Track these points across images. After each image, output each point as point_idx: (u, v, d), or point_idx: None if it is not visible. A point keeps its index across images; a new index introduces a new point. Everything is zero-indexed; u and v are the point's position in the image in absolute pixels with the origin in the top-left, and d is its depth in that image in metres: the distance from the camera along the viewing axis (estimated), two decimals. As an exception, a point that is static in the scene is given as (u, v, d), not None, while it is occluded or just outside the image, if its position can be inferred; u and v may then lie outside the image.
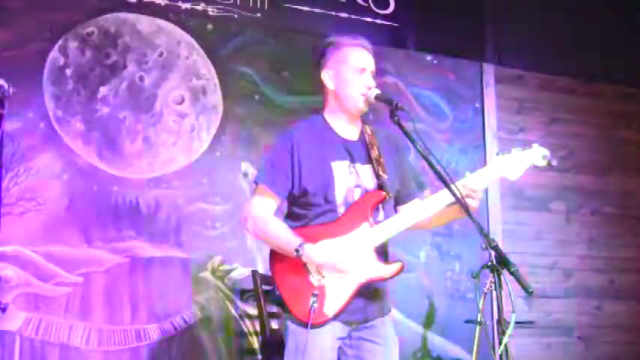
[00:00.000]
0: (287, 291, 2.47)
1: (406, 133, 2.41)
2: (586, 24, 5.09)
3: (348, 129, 2.62)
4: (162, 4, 4.03)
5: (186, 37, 4.06)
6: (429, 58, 4.73)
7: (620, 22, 5.20)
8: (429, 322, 4.40)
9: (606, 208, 5.10)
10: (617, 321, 4.96)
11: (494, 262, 2.16)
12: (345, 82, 2.57)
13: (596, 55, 5.13)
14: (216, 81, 4.10)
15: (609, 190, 5.12)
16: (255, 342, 3.89)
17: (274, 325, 3.45)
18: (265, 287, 3.46)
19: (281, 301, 2.49)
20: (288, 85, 4.25)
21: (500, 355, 2.14)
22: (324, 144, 2.57)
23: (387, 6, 4.64)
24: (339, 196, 2.52)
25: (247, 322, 3.92)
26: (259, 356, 3.85)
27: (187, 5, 4.09)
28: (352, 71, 2.57)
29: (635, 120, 5.30)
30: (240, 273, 3.94)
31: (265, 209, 2.53)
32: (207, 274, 3.89)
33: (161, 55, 4.00)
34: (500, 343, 2.13)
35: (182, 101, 4.02)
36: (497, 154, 2.59)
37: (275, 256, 2.52)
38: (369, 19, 4.57)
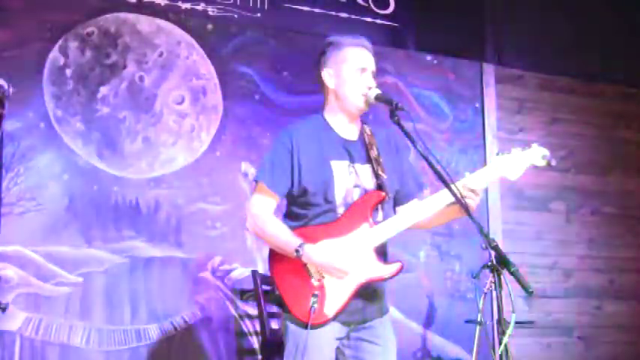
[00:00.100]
0: (287, 291, 2.47)
1: (406, 133, 2.41)
2: (586, 24, 5.09)
3: (347, 129, 2.62)
4: (162, 4, 4.03)
5: (186, 37, 4.07)
6: (429, 58, 4.73)
7: (620, 22, 5.20)
8: (429, 322, 4.41)
9: (606, 208, 5.10)
10: (617, 321, 4.96)
11: (494, 262, 2.16)
12: (346, 81, 2.57)
13: (596, 55, 5.13)
14: (216, 81, 4.10)
15: (609, 190, 5.12)
16: (255, 342, 3.89)
17: (274, 325, 3.45)
18: (265, 287, 3.47)
19: (281, 301, 2.49)
20: (288, 85, 4.25)
21: (500, 355, 2.14)
22: (324, 143, 2.57)
23: (387, 6, 4.64)
24: (339, 196, 2.52)
25: (247, 322, 3.92)
26: (259, 356, 3.85)
27: (187, 5, 4.09)
28: (353, 71, 2.57)
29: (635, 120, 5.30)
30: (240, 273, 3.94)
31: (265, 208, 2.53)
32: (207, 274, 3.89)
33: (161, 55, 4.00)
34: (500, 343, 2.13)
35: (182, 101, 4.02)
36: (497, 154, 2.58)
37: (275, 256, 2.52)
38: (369, 19, 4.57)
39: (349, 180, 2.54)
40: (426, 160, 2.37)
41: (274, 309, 3.38)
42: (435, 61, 4.75)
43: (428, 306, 4.42)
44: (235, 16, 4.21)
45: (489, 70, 4.87)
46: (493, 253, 2.17)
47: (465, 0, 4.87)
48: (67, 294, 3.59)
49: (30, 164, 3.62)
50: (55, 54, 3.76)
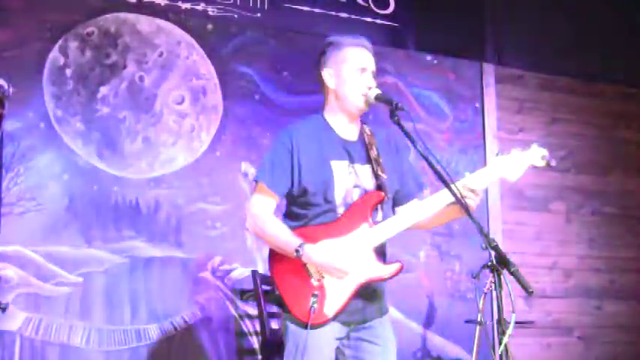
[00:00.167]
0: (287, 291, 2.47)
1: (406, 133, 2.41)
2: (586, 24, 5.09)
3: (347, 129, 2.62)
4: (162, 4, 4.03)
5: (186, 37, 4.07)
6: (429, 58, 4.73)
7: (620, 22, 5.20)
8: (428, 322, 4.41)
9: (606, 208, 5.10)
10: (617, 321, 4.96)
11: (494, 262, 2.16)
12: (346, 81, 2.57)
13: (596, 55, 5.13)
14: (216, 81, 4.11)
15: (609, 190, 5.12)
16: (255, 342, 3.89)
17: (274, 325, 3.45)
18: (265, 287, 3.47)
19: (280, 301, 2.49)
20: (288, 85, 4.25)
21: (500, 355, 2.14)
22: (324, 143, 2.57)
23: (387, 6, 4.64)
24: (339, 196, 2.52)
25: (247, 322, 3.92)
26: (259, 356, 3.85)
27: (187, 5, 4.09)
28: (353, 71, 2.57)
29: (635, 120, 5.30)
30: (240, 273, 3.94)
31: (265, 207, 2.53)
32: (207, 274, 3.89)
33: (161, 55, 4.00)
34: (500, 343, 2.13)
35: (182, 101, 4.02)
36: (497, 154, 2.58)
37: (274, 256, 2.52)
38: (369, 19, 4.57)
39: (349, 180, 2.54)
40: (426, 160, 2.37)
41: (274, 309, 3.38)
42: (435, 61, 4.75)
43: (428, 306, 4.42)
44: (235, 16, 4.21)
45: (489, 70, 4.87)
46: (493, 253, 2.17)
47: (465, 0, 4.87)
48: (67, 294, 3.59)
49: (30, 164, 3.62)
50: (55, 54, 3.76)
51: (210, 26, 4.13)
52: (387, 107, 2.45)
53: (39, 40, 3.73)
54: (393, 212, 2.65)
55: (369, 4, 4.59)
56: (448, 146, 4.66)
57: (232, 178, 4.03)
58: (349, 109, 2.59)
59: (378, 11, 4.61)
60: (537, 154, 2.56)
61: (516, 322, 2.12)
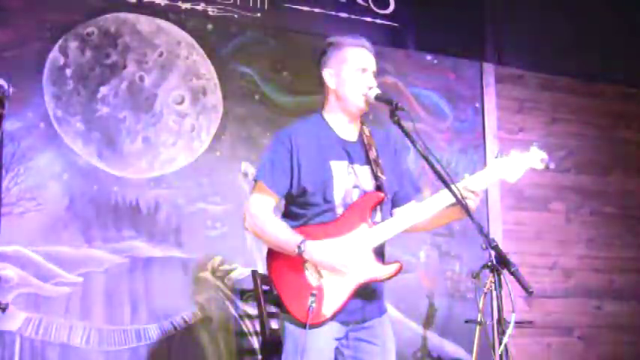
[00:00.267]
0: (285, 291, 2.47)
1: (406, 133, 2.41)
2: (586, 24, 5.09)
3: (347, 129, 2.62)
4: (162, 4, 4.03)
5: (186, 37, 4.06)
6: (429, 57, 4.73)
7: (620, 22, 5.20)
8: (428, 322, 4.41)
9: (606, 208, 5.09)
10: (617, 321, 4.96)
11: (494, 262, 2.16)
12: (346, 81, 2.57)
13: (596, 55, 5.13)
14: (216, 81, 4.10)
15: (609, 190, 5.12)
16: (255, 342, 3.89)
17: (274, 325, 3.45)
18: (265, 287, 3.47)
19: (279, 301, 2.49)
20: (288, 85, 4.25)
21: (500, 355, 2.15)
22: (324, 143, 2.57)
23: (387, 6, 4.64)
24: (338, 196, 2.52)
25: (247, 322, 3.92)
26: (259, 356, 3.85)
27: (187, 5, 4.09)
28: (353, 71, 2.57)
29: (635, 120, 5.30)
30: (240, 273, 3.94)
31: (264, 207, 2.53)
32: (207, 274, 3.89)
33: (161, 55, 4.00)
34: (500, 343, 2.13)
35: (182, 101, 4.02)
36: (496, 156, 2.59)
37: (272, 256, 2.52)
38: (369, 19, 4.57)
39: (348, 180, 2.54)
40: (426, 160, 2.37)
41: (274, 309, 3.38)
42: (435, 61, 4.75)
43: (428, 306, 4.42)
44: (235, 16, 4.21)
45: (489, 70, 4.87)
46: (493, 253, 2.17)
47: (465, 0, 4.86)
48: (66, 294, 3.59)
49: (30, 164, 3.62)
50: (55, 54, 3.76)
51: (210, 26, 4.13)
52: (387, 107, 2.45)
53: (39, 40, 3.73)
54: (391, 214, 2.65)
55: (369, 4, 4.59)
56: (448, 146, 4.66)
57: (232, 178, 4.03)
58: (350, 109, 2.59)
59: (378, 11, 4.61)
60: (536, 157, 2.57)
61: (516, 322, 2.12)
